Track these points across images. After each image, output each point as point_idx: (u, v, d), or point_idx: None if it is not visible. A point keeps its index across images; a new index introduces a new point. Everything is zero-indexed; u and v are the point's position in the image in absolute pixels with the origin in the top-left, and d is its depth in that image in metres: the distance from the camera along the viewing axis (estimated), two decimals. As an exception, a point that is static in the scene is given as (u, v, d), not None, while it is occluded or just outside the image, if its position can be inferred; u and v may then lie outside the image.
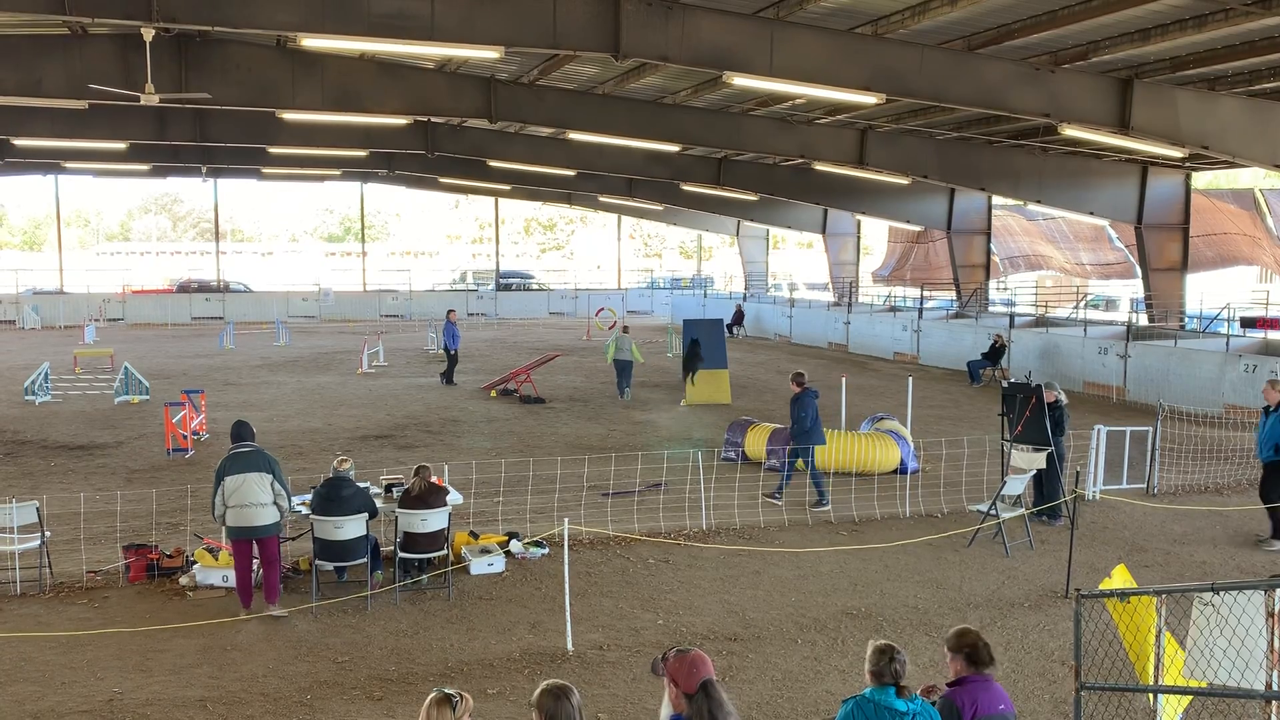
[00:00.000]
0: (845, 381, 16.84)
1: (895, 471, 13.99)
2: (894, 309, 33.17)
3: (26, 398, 20.10)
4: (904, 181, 26.01)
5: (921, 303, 31.59)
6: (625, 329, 22.21)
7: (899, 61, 14.76)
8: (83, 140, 24.67)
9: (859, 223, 37.62)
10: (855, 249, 38.53)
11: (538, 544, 10.61)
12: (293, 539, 9.79)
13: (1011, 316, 27.37)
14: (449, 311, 24.58)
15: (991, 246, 31.34)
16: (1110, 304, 38.07)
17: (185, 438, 15.46)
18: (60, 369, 23.83)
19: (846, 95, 15.39)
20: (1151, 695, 5.92)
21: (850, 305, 34.13)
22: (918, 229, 32.72)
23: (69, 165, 35.51)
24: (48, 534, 9.67)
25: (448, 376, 23.12)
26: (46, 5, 12.13)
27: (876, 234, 45.43)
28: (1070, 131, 16.72)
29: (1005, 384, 12.37)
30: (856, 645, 8.05)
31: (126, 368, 20.91)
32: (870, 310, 33.34)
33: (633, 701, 7.22)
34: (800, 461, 12.66)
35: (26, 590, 9.31)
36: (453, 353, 23.16)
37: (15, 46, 16.46)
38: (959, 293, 31.11)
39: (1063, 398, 11.91)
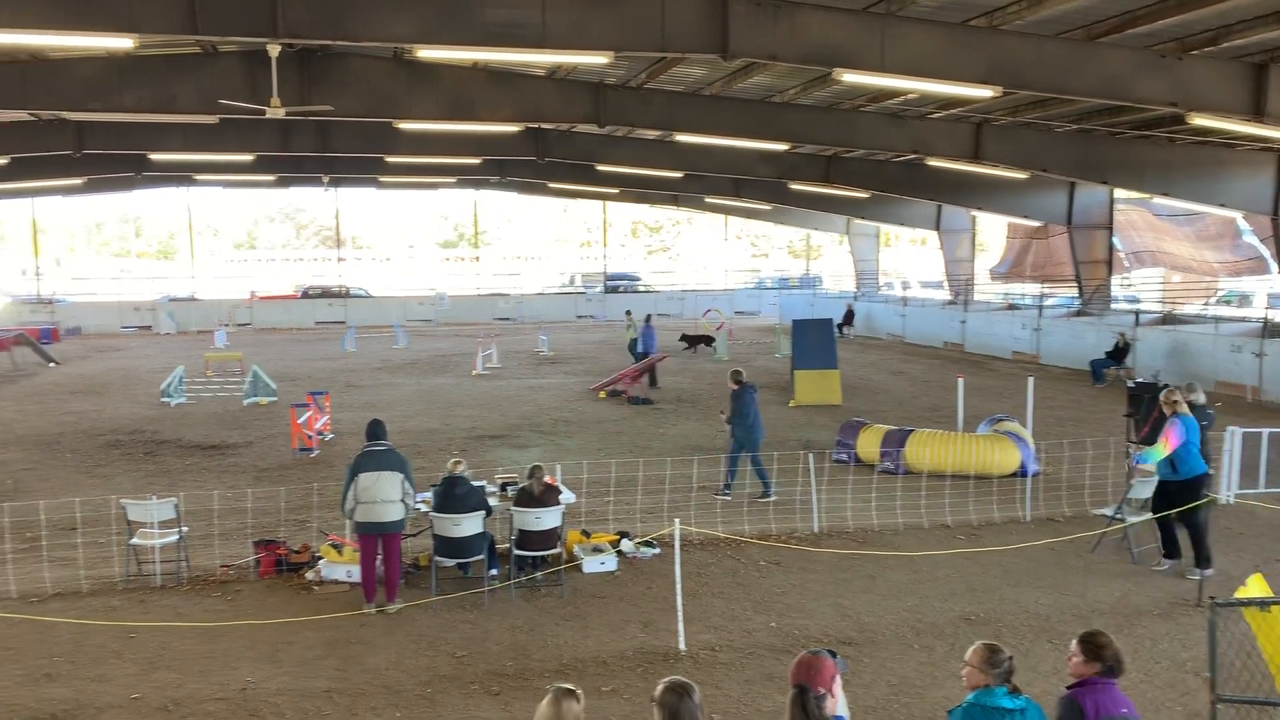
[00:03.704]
0: (961, 382, 16.44)
1: (1015, 474, 13.61)
2: (1012, 307, 32.24)
3: (163, 399, 21.16)
4: (1022, 176, 25.29)
5: (1041, 300, 30.63)
6: (629, 312, 29.85)
7: (1016, 53, 14.36)
8: (213, 153, 25.87)
9: (974, 219, 36.67)
10: (971, 246, 37.57)
11: (648, 544, 10.68)
12: (413, 535, 10.07)
13: (1137, 314, 26.33)
14: (647, 316, 25.11)
15: (1114, 241, 30.18)
16: (1244, 300, 36.23)
17: (310, 438, 16.04)
18: (193, 372, 24.99)
19: (961, 89, 15.06)
20: (1294, 710, 5.63)
21: (966, 303, 33.32)
22: (1036, 224, 31.73)
23: (200, 178, 37.25)
24: (185, 529, 10.18)
25: (651, 379, 23.07)
26: (180, 26, 12.75)
27: (993, 230, 44.25)
28: (1200, 121, 16.00)
29: (1131, 384, 11.91)
30: (975, 651, 7.87)
31: (255, 370, 21.81)
32: (987, 308, 32.48)
33: (746, 703, 7.20)
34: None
35: (166, 582, 9.81)
36: (652, 356, 23.21)
37: (152, 66, 17.36)
38: (1081, 290, 30.05)
39: (1201, 398, 11.39)
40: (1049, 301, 30.96)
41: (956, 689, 7.32)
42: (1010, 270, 34.93)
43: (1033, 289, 32.99)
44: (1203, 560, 9.75)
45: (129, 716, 7.09)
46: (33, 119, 23.02)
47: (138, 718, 7.07)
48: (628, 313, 30.43)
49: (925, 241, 61.32)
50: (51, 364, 28.55)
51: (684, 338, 30.97)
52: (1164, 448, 9.71)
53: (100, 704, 7.27)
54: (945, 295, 37.80)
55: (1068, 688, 4.87)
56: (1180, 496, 9.81)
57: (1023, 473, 13.53)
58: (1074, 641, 4.91)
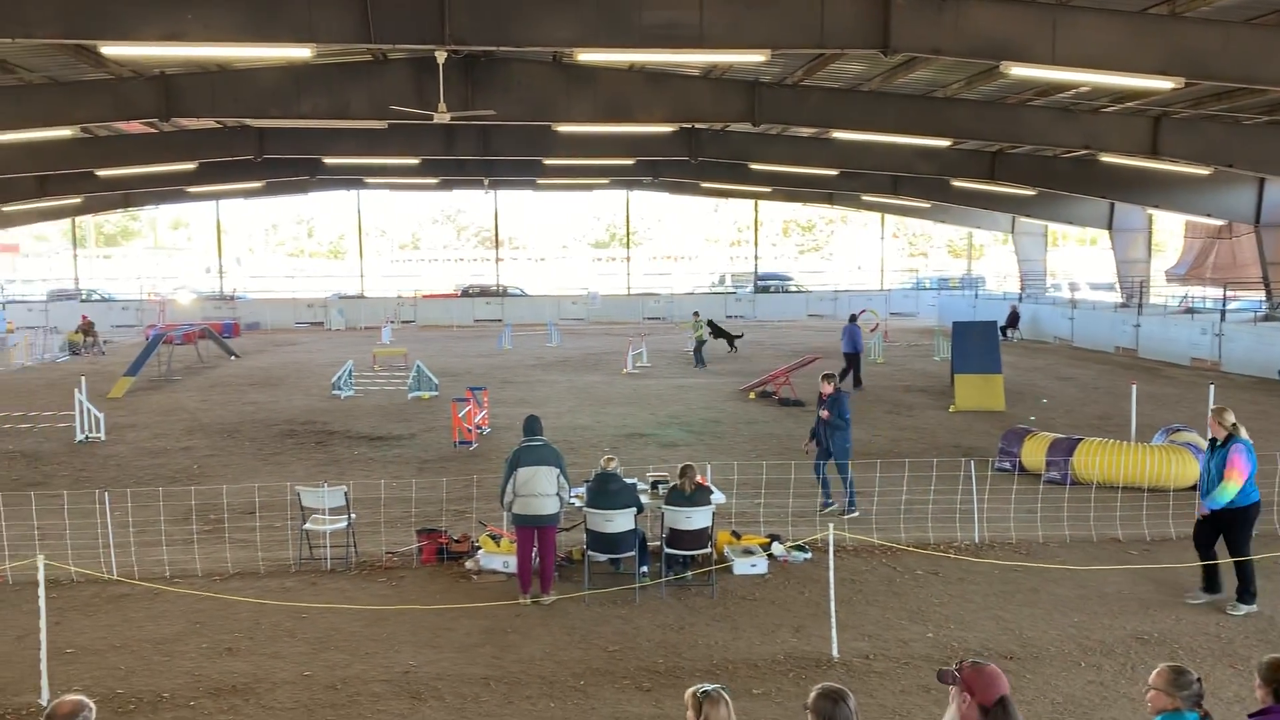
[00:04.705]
0: (1135, 389, 15.61)
1: (1193, 488, 12.80)
2: (1191, 310, 30.40)
3: (333, 392, 22.22)
4: (1204, 172, 23.79)
5: (1224, 304, 28.77)
6: (696, 314, 30.12)
7: (1200, 42, 13.52)
8: (382, 157, 27.01)
9: (1150, 217, 34.75)
10: (1146, 245, 35.58)
11: (800, 548, 10.55)
12: (568, 529, 10.25)
13: (1334, 319, 24.40)
14: (852, 315, 24.84)
15: (1309, 241, 28.03)
16: None
17: (470, 431, 16.55)
18: (361, 366, 26.15)
19: (1138, 81, 14.29)
20: None
21: (1140, 306, 31.63)
22: (1219, 223, 29.80)
23: (369, 181, 38.94)
24: (354, 516, 10.65)
25: (855, 379, 22.72)
26: (355, 35, 13.35)
27: (1170, 229, 41.86)
28: None
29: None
30: (1148, 672, 7.43)
31: (418, 366, 22.66)
32: (1164, 312, 30.74)
33: (901, 714, 7.03)
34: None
35: (335, 567, 10.29)
36: (855, 356, 22.91)
37: (328, 74, 18.27)
38: (1269, 293, 28.06)
39: None
40: (1232, 305, 29.04)
41: (1127, 710, 6.99)
42: (1189, 272, 32.94)
43: (1214, 292, 31.04)
44: (1249, 595, 8.90)
45: (300, 693, 7.46)
46: (219, 126, 24.59)
47: (308, 694, 7.44)
48: (695, 314, 30.10)
49: (1095, 241, 58.48)
50: (232, 357, 30.40)
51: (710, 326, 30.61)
52: (1236, 481, 8.67)
53: (275, 679, 7.68)
54: (1117, 298, 35.99)
55: (1250, 715, 4.56)
56: (1233, 525, 8.91)
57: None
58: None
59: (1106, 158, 24.15)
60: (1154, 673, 4.40)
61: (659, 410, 19.95)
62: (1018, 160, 28.31)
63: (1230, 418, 8.94)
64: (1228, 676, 7.56)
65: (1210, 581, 9.13)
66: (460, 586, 9.74)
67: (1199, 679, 4.33)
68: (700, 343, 27.78)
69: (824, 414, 12.17)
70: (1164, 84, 14.15)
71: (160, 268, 65.63)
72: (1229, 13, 13.53)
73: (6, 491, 12.90)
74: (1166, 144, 20.87)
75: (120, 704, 7.27)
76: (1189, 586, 9.30)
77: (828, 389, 12.27)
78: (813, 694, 4.00)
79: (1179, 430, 14.11)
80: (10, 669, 7.86)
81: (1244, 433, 8.95)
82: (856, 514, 12.07)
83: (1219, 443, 8.91)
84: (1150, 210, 32.63)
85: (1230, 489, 8.72)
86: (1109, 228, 35.56)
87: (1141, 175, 26.44)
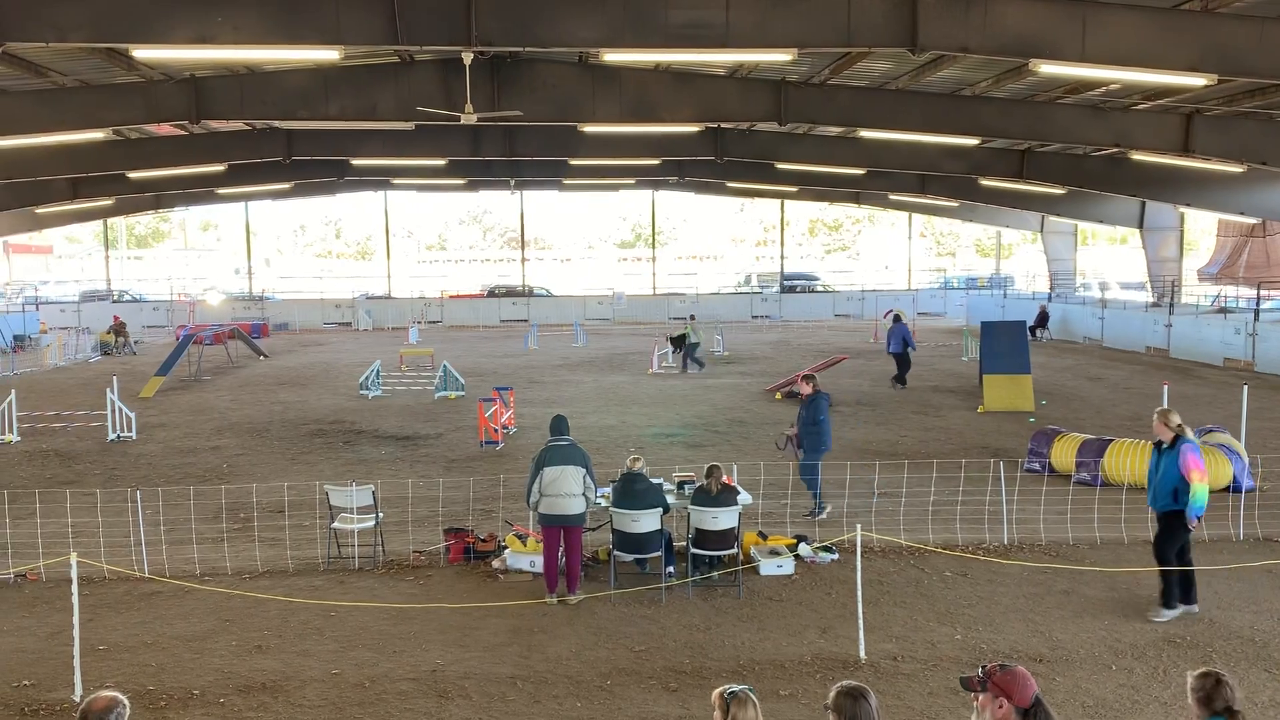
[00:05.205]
0: (1167, 389, 15.43)
1: (1226, 489, 12.65)
2: (1224, 310, 30.03)
3: (361, 392, 22.36)
4: (1237, 169, 23.47)
5: (1258, 303, 28.39)
6: (693, 317, 30.01)
7: (1233, 38, 13.32)
8: (409, 158, 27.13)
9: (1182, 215, 34.34)
10: (1177, 244, 35.18)
11: (827, 549, 10.51)
12: (594, 529, 10.26)
13: (1371, 318, 24.03)
14: (896, 315, 24.56)
15: (1345, 239, 27.65)
16: None
17: (496, 431, 16.60)
18: (389, 366, 26.28)
19: (1170, 78, 14.11)
20: None
21: (1172, 306, 31.27)
22: (1253, 221, 29.41)
23: (396, 182, 39.15)
24: (381, 515, 10.71)
25: (899, 379, 22.69)
26: (382, 37, 13.43)
27: (1202, 227, 41.36)
28: None
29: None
30: (1180, 676, 7.35)
31: (445, 366, 22.76)
32: (1196, 312, 30.38)
33: (930, 716, 6.98)
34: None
35: (363, 565, 10.35)
36: (902, 355, 22.70)
37: (355, 76, 18.37)
38: (1303, 292, 27.70)
39: None
40: (1266, 305, 28.66)
41: (1159, 715, 6.93)
42: (1221, 271, 32.55)
43: (1247, 291, 30.64)
44: (1171, 600, 8.74)
45: (329, 690, 7.51)
46: (248, 128, 24.79)
47: (336, 692, 7.48)
48: (691, 317, 29.83)
49: (1126, 240, 57.96)
50: (261, 357, 30.65)
51: (671, 340, 28.86)
52: (1201, 480, 8.47)
53: (304, 677, 7.73)
54: (1148, 297, 35.62)
55: None
56: (1165, 528, 8.74)
57: (1235, 488, 12.59)
58: None
59: (1137, 156, 23.84)
60: (1189, 678, 4.35)
61: (684, 410, 19.93)
62: (1047, 159, 28.05)
63: (1176, 419, 8.75)
64: (1262, 680, 7.46)
65: (1185, 591, 8.88)
66: (487, 586, 9.77)
67: (1226, 682, 4.27)
68: (694, 345, 27.26)
69: (791, 431, 12.31)
70: (1196, 81, 13.97)
71: (190, 269, 66.37)
72: (1263, 8, 13.34)
73: (40, 489, 13.08)
74: (1199, 141, 20.60)
75: (151, 700, 7.34)
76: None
77: (806, 390, 12.26)
78: (833, 692, 3.99)
79: (1212, 431, 13.92)
80: (44, 665, 7.96)
81: (1190, 433, 8.77)
82: (825, 516, 11.96)
83: (1165, 445, 8.73)
84: (1182, 209, 32.27)
85: (1201, 490, 8.51)
86: (1140, 226, 35.19)
87: (1173, 173, 26.13)
